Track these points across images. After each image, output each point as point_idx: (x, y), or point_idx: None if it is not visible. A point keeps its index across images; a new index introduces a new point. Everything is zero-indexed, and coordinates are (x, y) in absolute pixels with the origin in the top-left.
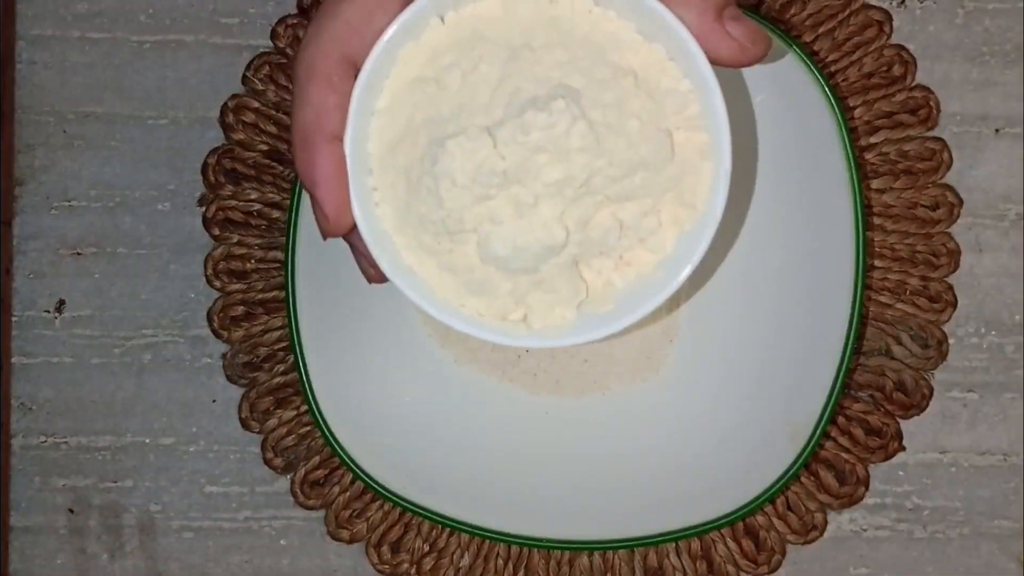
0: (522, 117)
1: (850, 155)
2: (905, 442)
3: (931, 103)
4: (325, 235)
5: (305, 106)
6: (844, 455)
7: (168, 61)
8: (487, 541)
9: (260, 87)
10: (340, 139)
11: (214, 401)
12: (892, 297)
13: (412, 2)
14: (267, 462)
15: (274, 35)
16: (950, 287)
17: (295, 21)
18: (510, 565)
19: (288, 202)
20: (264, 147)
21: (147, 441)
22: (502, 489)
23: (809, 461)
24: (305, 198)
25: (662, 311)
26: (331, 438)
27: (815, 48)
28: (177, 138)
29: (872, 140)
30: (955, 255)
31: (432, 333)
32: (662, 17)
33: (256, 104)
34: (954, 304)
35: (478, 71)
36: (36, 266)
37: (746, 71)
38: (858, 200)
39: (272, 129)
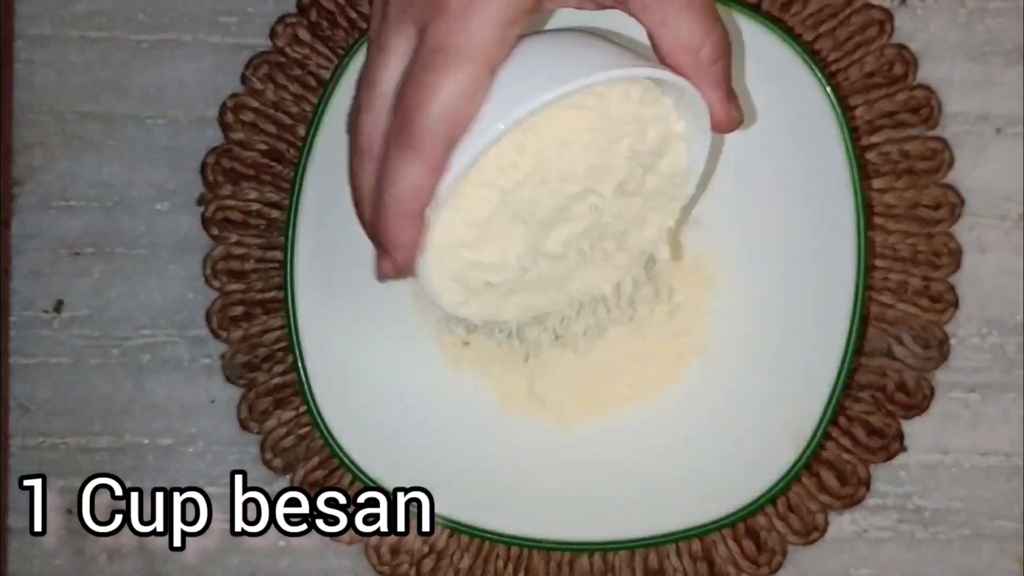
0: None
1: (851, 155)
2: (906, 443)
3: (932, 102)
4: (384, 280)
5: (402, 179)
6: (845, 456)
7: (167, 60)
8: (487, 542)
9: (259, 86)
10: (424, 213)
11: (213, 402)
12: (893, 297)
13: (496, 70)
14: (266, 463)
15: (273, 34)
16: (952, 287)
17: (294, 20)
18: (510, 566)
19: (287, 202)
20: (263, 147)
21: (145, 442)
22: (502, 490)
23: (810, 462)
24: (304, 198)
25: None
26: (330, 439)
27: (816, 47)
28: (176, 138)
29: (873, 139)
30: (957, 255)
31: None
32: (693, 95)
33: (255, 103)
34: (956, 304)
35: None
36: (34, 266)
37: (745, 71)
38: (859, 200)
39: (271, 128)
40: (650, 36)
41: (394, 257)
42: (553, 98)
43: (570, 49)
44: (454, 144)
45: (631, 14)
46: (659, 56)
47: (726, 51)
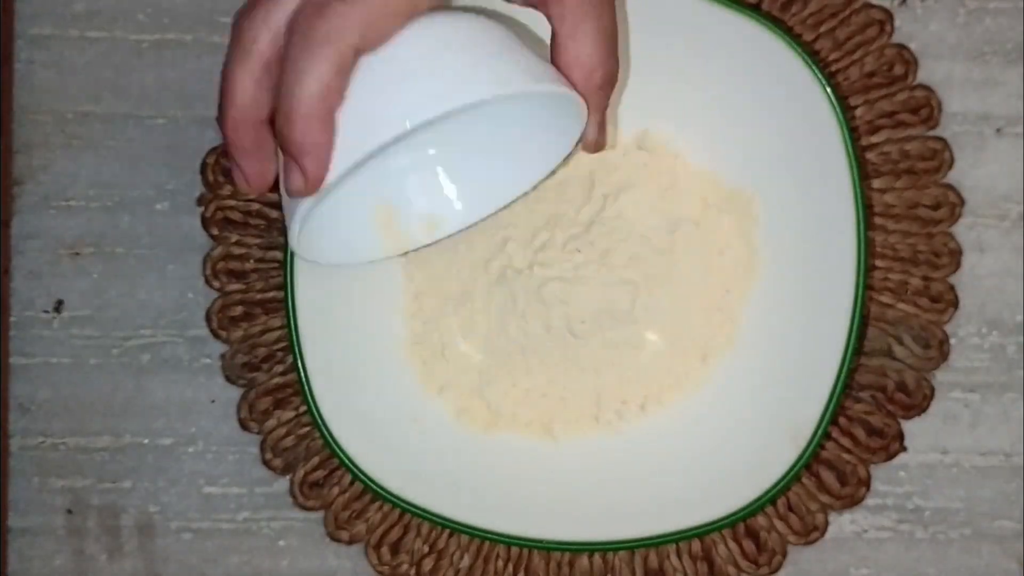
0: None
1: (851, 155)
2: (906, 443)
3: (932, 102)
4: (294, 195)
5: (310, 80)
6: (845, 456)
7: (166, 60)
8: (487, 542)
9: None
10: (333, 116)
11: (213, 402)
12: (893, 297)
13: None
14: (266, 463)
15: None
16: (951, 287)
17: None
18: (510, 566)
19: None
20: None
21: (145, 442)
22: (502, 490)
23: (810, 462)
24: None
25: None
26: (330, 439)
27: (816, 47)
28: (176, 137)
29: (873, 140)
30: (957, 255)
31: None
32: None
33: None
34: (955, 304)
35: None
36: (34, 266)
37: (746, 71)
38: (859, 200)
39: None
40: (554, 42)
41: (301, 163)
42: (462, 106)
43: (484, 49)
44: (359, 52)
45: (547, 16)
46: (555, 62)
47: (614, 83)
